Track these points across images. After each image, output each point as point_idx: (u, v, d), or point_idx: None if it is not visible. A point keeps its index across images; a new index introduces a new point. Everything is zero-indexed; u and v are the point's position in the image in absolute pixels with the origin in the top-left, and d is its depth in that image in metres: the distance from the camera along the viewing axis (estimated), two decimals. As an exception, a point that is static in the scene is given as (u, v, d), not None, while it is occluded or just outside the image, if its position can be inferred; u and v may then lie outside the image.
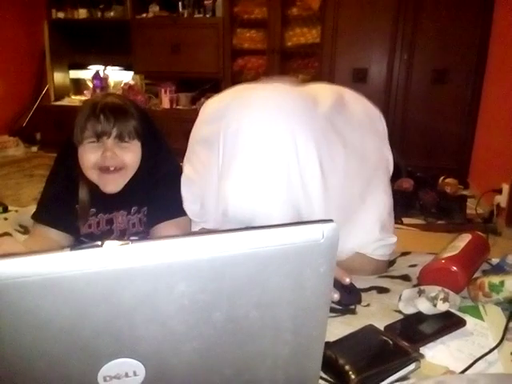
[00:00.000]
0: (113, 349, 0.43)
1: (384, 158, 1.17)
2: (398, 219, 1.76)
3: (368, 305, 0.95)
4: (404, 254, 1.24)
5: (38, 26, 3.92)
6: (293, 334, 0.49)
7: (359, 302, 0.95)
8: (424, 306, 0.85)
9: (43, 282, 0.38)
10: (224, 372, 0.49)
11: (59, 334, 0.41)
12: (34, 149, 3.94)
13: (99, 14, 3.74)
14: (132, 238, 1.13)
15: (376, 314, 0.90)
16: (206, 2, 3.44)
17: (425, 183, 2.46)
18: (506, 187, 2.09)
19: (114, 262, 0.40)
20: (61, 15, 3.81)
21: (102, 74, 3.88)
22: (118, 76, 3.97)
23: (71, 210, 1.11)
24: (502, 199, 2.11)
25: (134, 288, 0.41)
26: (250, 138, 1.02)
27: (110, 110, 1.04)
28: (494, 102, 2.69)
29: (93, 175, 1.07)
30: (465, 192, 2.60)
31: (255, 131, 1.02)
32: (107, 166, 1.05)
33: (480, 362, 0.74)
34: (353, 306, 0.93)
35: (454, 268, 0.97)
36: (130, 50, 3.63)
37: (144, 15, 3.61)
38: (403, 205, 2.17)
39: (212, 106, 1.15)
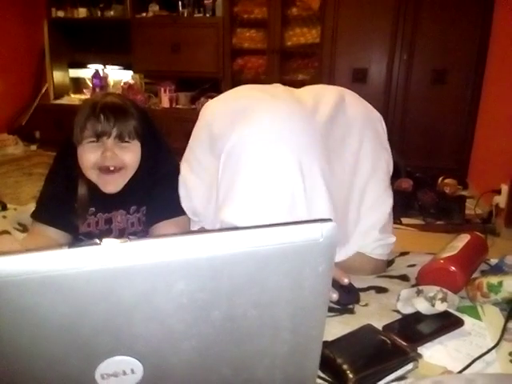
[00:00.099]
0: (111, 346, 0.43)
1: (383, 159, 1.17)
2: (396, 219, 1.76)
3: (366, 304, 0.95)
4: (403, 254, 1.24)
5: (37, 25, 3.91)
6: (291, 333, 0.49)
7: (357, 301, 0.95)
8: (422, 306, 0.85)
9: (41, 279, 0.38)
10: (222, 371, 0.49)
11: (57, 332, 0.41)
12: (34, 147, 3.93)
13: (99, 13, 3.73)
14: (131, 237, 1.13)
15: (374, 314, 0.90)
16: (205, 2, 3.44)
17: (424, 183, 2.45)
18: (505, 188, 2.09)
19: (112, 260, 0.40)
20: (60, 14, 3.81)
21: (101, 73, 3.87)
22: (118, 75, 3.96)
23: (70, 209, 1.11)
24: (500, 200, 2.11)
25: (132, 286, 0.41)
26: (254, 158, 0.99)
27: (110, 109, 1.04)
28: (493, 102, 2.69)
29: (92, 175, 1.07)
30: (464, 192, 2.59)
31: (258, 151, 0.99)
32: (107, 166, 1.05)
33: (478, 362, 0.74)
34: (351, 306, 0.93)
35: (453, 268, 0.97)
36: (129, 49, 3.62)
37: (144, 14, 3.61)
38: (402, 205, 2.17)
39: (215, 111, 1.12)
